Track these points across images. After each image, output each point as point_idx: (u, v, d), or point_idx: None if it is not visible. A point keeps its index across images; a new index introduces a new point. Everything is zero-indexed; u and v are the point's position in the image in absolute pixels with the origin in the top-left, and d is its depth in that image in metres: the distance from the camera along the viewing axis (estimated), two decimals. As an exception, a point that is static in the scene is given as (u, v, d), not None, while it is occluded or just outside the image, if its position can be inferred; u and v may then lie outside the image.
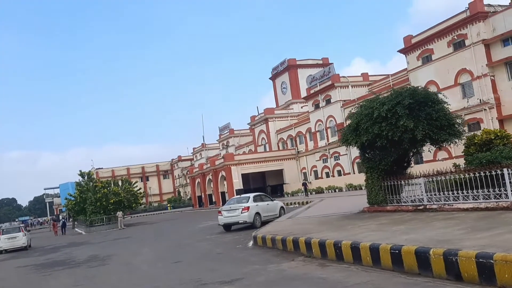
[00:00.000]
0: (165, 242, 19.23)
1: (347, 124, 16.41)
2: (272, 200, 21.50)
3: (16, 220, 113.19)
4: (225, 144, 72.40)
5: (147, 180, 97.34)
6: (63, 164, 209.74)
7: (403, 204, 14.11)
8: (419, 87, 15.06)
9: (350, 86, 44.22)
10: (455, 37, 31.26)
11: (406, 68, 36.35)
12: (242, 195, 21.34)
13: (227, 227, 19.96)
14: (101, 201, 38.70)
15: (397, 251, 7.61)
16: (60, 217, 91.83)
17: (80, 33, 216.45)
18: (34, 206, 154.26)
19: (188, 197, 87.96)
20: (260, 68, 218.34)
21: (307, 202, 31.37)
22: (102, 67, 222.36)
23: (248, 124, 62.31)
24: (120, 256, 16.47)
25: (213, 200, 57.28)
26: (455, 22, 31.02)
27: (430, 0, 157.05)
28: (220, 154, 71.93)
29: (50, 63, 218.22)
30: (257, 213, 19.45)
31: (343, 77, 44.64)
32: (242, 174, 49.84)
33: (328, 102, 45.24)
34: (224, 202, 52.37)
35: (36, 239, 39.40)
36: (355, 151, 42.06)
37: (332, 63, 44.43)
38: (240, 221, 19.08)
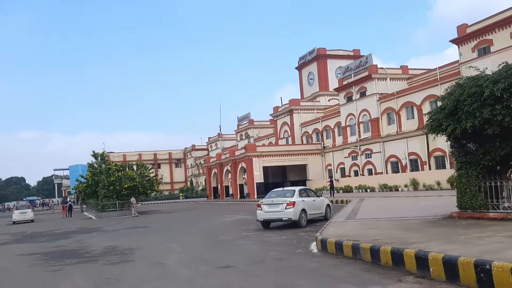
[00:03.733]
0: (196, 237, 16.33)
1: (435, 107, 13.26)
2: (318, 196, 18.51)
3: (24, 199, 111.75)
4: (244, 135, 69.48)
5: (159, 167, 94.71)
6: (73, 146, 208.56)
7: None
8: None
9: (388, 78, 40.93)
10: (520, 28, 27.91)
11: (458, 61, 33.03)
12: (286, 188, 18.36)
13: (266, 224, 17.06)
14: (115, 185, 36.04)
15: None
16: (68, 199, 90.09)
17: (95, 19, 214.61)
18: (43, 186, 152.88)
19: (200, 187, 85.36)
20: (280, 58, 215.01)
21: (340, 201, 28.39)
22: (116, 53, 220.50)
23: (270, 115, 59.29)
24: (144, 251, 13.60)
25: (230, 192, 54.39)
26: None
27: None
28: (237, 145, 69.15)
29: (66, 46, 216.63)
30: (303, 210, 16.50)
31: (381, 68, 41.37)
32: (262, 167, 46.93)
33: (362, 94, 42.02)
34: (242, 194, 49.56)
35: (42, 222, 36.90)
36: (389, 149, 39.09)
37: (370, 53, 41.17)
38: (283, 218, 16.13)
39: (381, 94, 40.28)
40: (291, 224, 16.65)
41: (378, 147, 40.12)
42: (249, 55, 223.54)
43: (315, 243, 11.93)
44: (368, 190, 37.33)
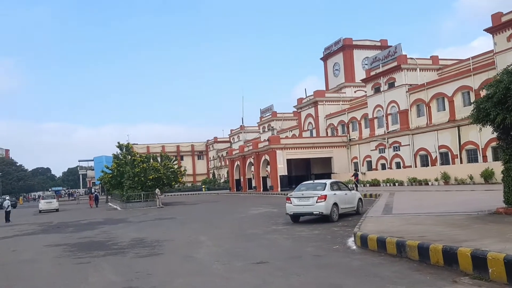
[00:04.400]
0: (224, 230, 15.89)
1: (482, 95, 12.43)
2: (349, 190, 17.84)
3: (50, 189, 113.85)
4: (267, 127, 68.87)
5: (182, 159, 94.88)
6: (97, 138, 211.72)
7: None
8: None
9: (418, 69, 39.65)
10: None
11: (492, 50, 31.65)
12: (316, 181, 17.73)
13: (296, 218, 16.49)
14: (139, 176, 36.00)
15: None
16: (93, 190, 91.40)
17: (122, 10, 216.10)
18: (68, 177, 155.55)
19: (222, 179, 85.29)
20: (302, 50, 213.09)
21: (369, 196, 27.63)
22: (141, 45, 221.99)
23: (294, 106, 58.46)
24: (173, 243, 13.22)
25: (253, 184, 53.95)
26: None
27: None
28: (260, 137, 68.63)
29: (91, 38, 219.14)
30: (335, 204, 15.87)
31: (411, 58, 40.06)
32: (286, 160, 46.30)
33: (391, 85, 40.85)
34: (265, 187, 49.06)
35: (68, 212, 37.18)
36: (418, 142, 37.96)
37: (400, 43, 39.86)
38: (314, 212, 15.54)
39: (411, 85, 39.05)
40: (322, 219, 16.06)
41: (406, 139, 39.01)
42: (272, 47, 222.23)
43: (352, 239, 11.35)
44: (396, 184, 36.34)
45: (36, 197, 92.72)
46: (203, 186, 74.99)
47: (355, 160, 47.04)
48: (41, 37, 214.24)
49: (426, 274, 7.29)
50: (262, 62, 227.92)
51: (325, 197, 15.46)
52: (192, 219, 22.07)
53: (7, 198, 36.96)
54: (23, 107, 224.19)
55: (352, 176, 33.43)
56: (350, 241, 10.99)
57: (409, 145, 38.81)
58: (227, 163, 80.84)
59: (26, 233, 20.38)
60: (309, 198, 15.69)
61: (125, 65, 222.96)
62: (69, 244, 14.72)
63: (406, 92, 39.04)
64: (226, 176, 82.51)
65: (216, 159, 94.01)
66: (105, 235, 17.00)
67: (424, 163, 37.80)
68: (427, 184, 33.48)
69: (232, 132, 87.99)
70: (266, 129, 68.92)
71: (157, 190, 35.07)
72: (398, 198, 21.13)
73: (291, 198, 16.14)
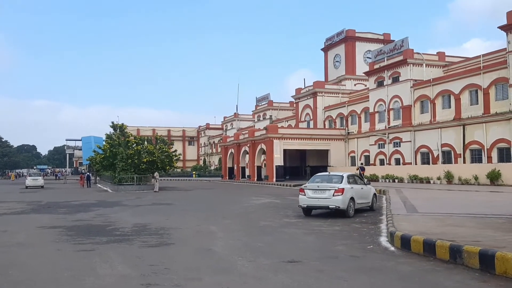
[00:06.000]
0: (232, 220, 14.79)
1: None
2: (365, 184, 16.87)
3: (35, 167, 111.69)
4: (262, 116, 67.69)
5: (172, 144, 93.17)
6: (84, 119, 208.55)
7: None
8: None
9: (424, 64, 38.73)
10: None
11: (505, 49, 30.81)
12: (332, 173, 16.68)
13: (308, 211, 15.48)
14: (133, 158, 34.69)
15: None
16: (79, 170, 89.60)
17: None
18: (53, 156, 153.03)
19: (213, 166, 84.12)
20: (297, 40, 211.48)
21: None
22: (133, 29, 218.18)
23: (292, 96, 57.31)
24: (180, 232, 12.11)
25: (247, 173, 52.87)
26: None
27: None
28: (254, 125, 67.48)
29: (83, 20, 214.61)
30: (352, 198, 14.90)
31: (417, 53, 39.09)
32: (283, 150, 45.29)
33: (395, 80, 39.90)
34: (259, 177, 48.00)
35: (57, 192, 35.74)
36: (420, 139, 37.20)
37: (407, 37, 38.80)
38: (330, 206, 14.53)
39: (416, 80, 38.15)
40: (335, 213, 15.08)
41: (408, 136, 38.21)
42: (269, 37, 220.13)
43: (383, 238, 10.43)
44: (396, 180, 35.56)
45: (22, 174, 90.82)
46: (194, 172, 73.75)
47: (352, 154, 46.22)
48: (31, 13, 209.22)
49: (495, 286, 6.32)
50: (258, 51, 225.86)
51: (342, 190, 14.47)
52: (192, 206, 20.93)
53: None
54: (11, 84, 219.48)
55: (357, 169, 32.38)
56: (384, 241, 10.00)
57: (411, 141, 38.03)
58: (219, 150, 79.66)
59: (15, 212, 19.08)
60: (325, 191, 14.68)
61: (116, 47, 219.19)
62: (65, 227, 13.51)
63: (411, 87, 38.14)
64: (217, 163, 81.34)
65: (207, 145, 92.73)
66: (102, 218, 15.82)
67: (425, 161, 37.09)
68: (428, 182, 32.75)
69: (226, 119, 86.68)
70: (261, 118, 67.75)
71: (156, 174, 33.91)
72: (410, 195, 20.20)
73: (305, 190, 15.10)
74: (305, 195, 15.04)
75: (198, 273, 7.42)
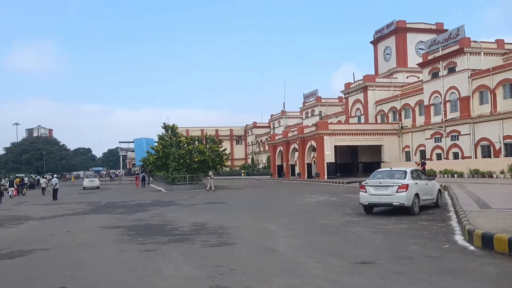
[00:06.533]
0: (290, 219, 14.37)
1: None
2: (429, 179, 15.97)
3: (90, 169, 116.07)
4: (310, 112, 66.81)
5: (220, 143, 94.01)
6: (135, 121, 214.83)
7: None
8: None
9: (482, 53, 36.69)
10: None
11: None
12: (394, 168, 15.90)
13: (370, 208, 14.81)
14: (185, 158, 35.02)
15: None
16: (133, 170, 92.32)
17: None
18: (108, 158, 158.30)
19: (261, 165, 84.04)
20: (340, 36, 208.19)
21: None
22: (180, 30, 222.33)
23: (341, 91, 56.11)
24: (239, 231, 11.85)
25: (296, 171, 52.28)
26: None
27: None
28: (302, 122, 66.74)
29: (131, 22, 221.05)
30: (416, 195, 14.08)
31: (474, 41, 37.08)
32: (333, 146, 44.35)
33: (451, 70, 38.04)
34: (309, 174, 47.31)
35: (113, 193, 36.72)
36: (480, 131, 35.26)
37: (463, 25, 36.87)
38: (394, 203, 13.79)
39: (473, 70, 36.18)
40: (398, 211, 14.27)
41: (467, 128, 36.31)
42: (312, 33, 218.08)
43: (459, 236, 9.70)
44: (455, 175, 33.86)
45: (79, 176, 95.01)
46: (242, 171, 73.89)
47: (407, 149, 44.57)
48: (82, 20, 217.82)
49: None
50: (302, 48, 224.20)
51: (406, 186, 13.69)
52: (246, 204, 20.72)
53: (55, 175, 36.86)
54: (65, 89, 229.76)
55: (419, 164, 30.73)
56: (460, 240, 9.27)
57: (470, 134, 36.12)
58: (267, 149, 79.44)
59: (75, 212, 19.60)
60: (387, 187, 13.96)
61: (163, 49, 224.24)
62: (125, 226, 13.60)
63: (469, 77, 36.22)
64: (265, 161, 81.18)
65: (254, 144, 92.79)
66: (160, 218, 15.87)
67: (486, 154, 35.11)
68: (491, 176, 30.94)
69: (273, 117, 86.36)
70: (309, 115, 66.87)
71: (210, 173, 34.19)
72: (476, 190, 18.94)
73: (366, 187, 14.44)
74: (366, 192, 14.39)
75: (266, 274, 7.07)
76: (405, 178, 14.12)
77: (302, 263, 7.72)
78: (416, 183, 14.33)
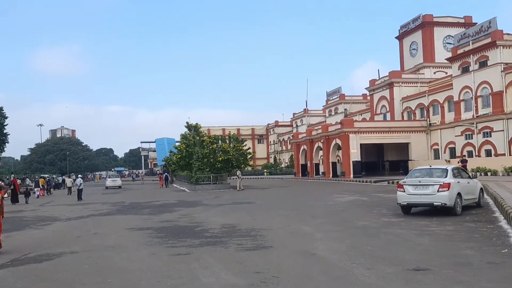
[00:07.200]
0: (324, 219, 13.72)
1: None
2: (470, 178, 15.09)
3: (113, 169, 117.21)
4: (333, 110, 65.78)
5: (243, 142, 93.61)
6: (156, 122, 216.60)
7: None
8: None
9: (516, 46, 35.33)
10: None
11: None
12: (434, 166, 15.08)
13: (408, 209, 14.04)
14: (209, 157, 34.61)
15: None
16: (154, 171, 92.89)
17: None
18: (129, 158, 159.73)
19: (283, 164, 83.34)
20: (364, 32, 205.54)
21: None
22: (200, 30, 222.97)
23: (366, 88, 55.01)
24: (274, 233, 11.26)
25: (321, 170, 51.43)
26: None
27: None
28: (326, 120, 65.80)
29: (151, 27, 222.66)
30: (458, 194, 13.25)
31: (508, 34, 35.68)
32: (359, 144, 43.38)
33: (482, 65, 36.70)
34: (334, 173, 46.42)
35: (137, 193, 36.60)
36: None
37: (495, 17, 35.55)
38: (435, 203, 12.98)
39: (507, 64, 34.81)
40: (439, 211, 13.48)
41: (500, 125, 34.95)
42: (333, 30, 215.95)
43: (516, 240, 8.88)
44: (489, 173, 32.60)
45: (101, 176, 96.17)
46: (265, 171, 73.32)
47: (435, 147, 43.27)
48: (105, 23, 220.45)
49: None
50: (323, 46, 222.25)
51: (448, 185, 12.87)
52: (274, 205, 20.11)
53: (80, 176, 36.96)
54: (87, 91, 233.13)
55: (459, 162, 29.42)
56: (517, 243, 8.50)
57: (503, 131, 34.75)
58: (289, 147, 78.69)
59: (101, 213, 19.32)
60: (428, 186, 13.17)
61: (183, 49, 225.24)
62: (153, 228, 13.16)
63: (501, 71, 34.85)
64: (287, 160, 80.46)
65: (277, 143, 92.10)
66: (188, 219, 15.39)
67: (521, 152, 33.76)
68: (528, 174, 29.66)
69: (295, 115, 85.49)
70: (333, 113, 65.84)
71: (238, 172, 33.78)
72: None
73: (404, 186, 13.67)
74: (404, 191, 13.61)
75: (313, 282, 6.48)
76: (446, 176, 13.32)
77: (349, 270, 7.08)
78: (458, 182, 13.50)
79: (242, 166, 37.16)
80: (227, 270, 7.39)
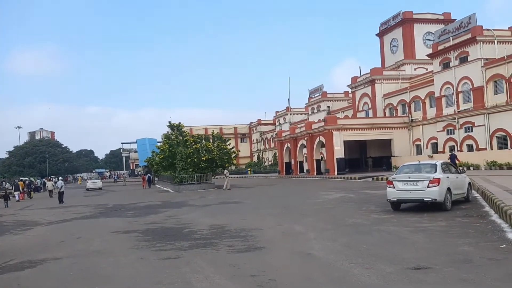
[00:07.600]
0: (314, 218, 13.51)
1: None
2: (459, 172, 15.07)
3: (93, 171, 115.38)
4: (316, 108, 65.84)
5: (226, 142, 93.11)
6: (136, 122, 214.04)
7: None
8: None
9: (495, 41, 35.67)
10: None
11: None
12: (423, 162, 15.02)
13: (397, 205, 13.93)
14: (192, 157, 34.13)
15: None
16: (140, 172, 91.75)
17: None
18: (110, 159, 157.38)
19: (267, 162, 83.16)
20: (343, 30, 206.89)
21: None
22: (177, 30, 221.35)
23: (348, 86, 55.07)
24: (264, 233, 10.99)
25: (305, 168, 51.35)
26: None
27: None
28: (308, 118, 65.76)
29: (130, 22, 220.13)
30: (448, 189, 13.18)
31: (487, 29, 36.01)
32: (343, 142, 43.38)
33: (462, 60, 37.01)
34: (319, 170, 46.38)
35: (119, 194, 35.94)
36: (496, 122, 34.28)
37: (475, 13, 35.88)
38: (425, 199, 12.90)
39: (487, 59, 35.15)
40: (429, 206, 13.41)
41: (481, 119, 35.30)
42: (312, 27, 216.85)
43: (511, 234, 8.78)
44: (471, 168, 32.90)
45: (84, 177, 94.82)
46: (249, 169, 72.98)
47: (417, 142, 43.54)
48: (81, 22, 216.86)
49: None
50: (303, 44, 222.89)
51: (438, 180, 12.79)
52: (262, 204, 19.83)
53: (60, 178, 36.08)
54: (66, 91, 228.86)
55: (449, 158, 29.47)
56: (513, 238, 8.40)
57: (484, 125, 35.11)
58: (273, 146, 78.44)
59: (84, 216, 18.78)
60: (417, 182, 13.08)
61: (162, 49, 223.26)
62: (140, 231, 12.76)
63: (482, 67, 35.19)
64: (271, 159, 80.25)
65: (260, 141, 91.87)
66: (174, 220, 15.03)
67: (502, 145, 34.11)
68: (510, 168, 30.03)
69: (278, 114, 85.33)
70: (315, 110, 65.87)
71: (226, 172, 33.44)
72: (506, 183, 18.01)
73: (393, 182, 13.55)
74: (394, 187, 13.50)
75: (312, 285, 6.24)
76: (435, 171, 13.24)
77: (348, 270, 6.85)
78: (448, 177, 13.45)
79: (227, 165, 36.75)
80: (220, 274, 7.10)
